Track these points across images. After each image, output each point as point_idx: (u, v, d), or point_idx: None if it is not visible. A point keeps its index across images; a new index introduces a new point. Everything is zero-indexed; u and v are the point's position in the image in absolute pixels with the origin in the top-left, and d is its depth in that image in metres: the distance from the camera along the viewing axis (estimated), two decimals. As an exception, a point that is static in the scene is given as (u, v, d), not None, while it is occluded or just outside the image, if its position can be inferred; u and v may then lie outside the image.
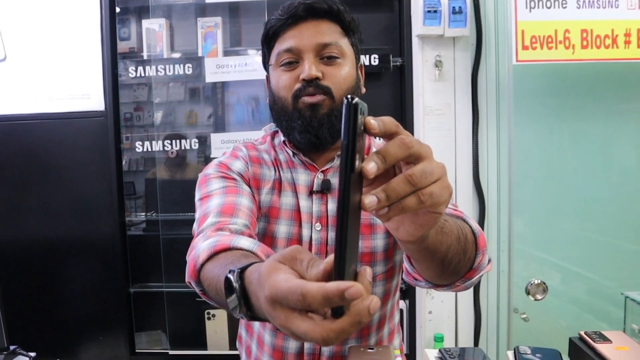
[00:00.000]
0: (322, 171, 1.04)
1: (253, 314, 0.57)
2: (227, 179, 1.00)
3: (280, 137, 1.09)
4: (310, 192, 1.03)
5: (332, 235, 1.01)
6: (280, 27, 1.00)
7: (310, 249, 0.99)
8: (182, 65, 2.04)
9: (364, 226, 1.00)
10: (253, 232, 0.90)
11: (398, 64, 1.99)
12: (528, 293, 1.71)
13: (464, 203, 1.87)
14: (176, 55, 2.11)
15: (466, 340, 1.90)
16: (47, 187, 2.06)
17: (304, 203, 1.02)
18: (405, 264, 0.85)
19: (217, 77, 2.02)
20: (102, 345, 2.08)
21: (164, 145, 2.07)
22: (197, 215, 0.95)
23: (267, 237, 1.01)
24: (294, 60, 0.99)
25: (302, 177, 1.04)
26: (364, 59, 1.96)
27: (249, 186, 1.01)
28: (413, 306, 1.97)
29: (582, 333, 1.06)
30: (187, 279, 0.79)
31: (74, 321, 2.08)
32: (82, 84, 2.04)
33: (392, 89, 2.05)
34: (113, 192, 2.04)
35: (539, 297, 1.70)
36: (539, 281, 1.71)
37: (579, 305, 1.91)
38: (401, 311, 2.00)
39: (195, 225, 0.92)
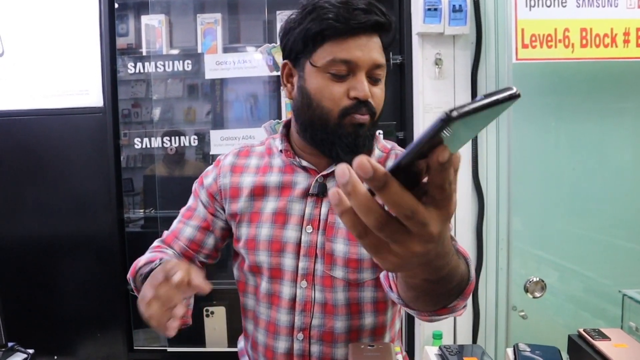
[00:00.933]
0: (323, 175, 1.04)
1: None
2: (195, 198, 1.14)
3: (278, 145, 1.10)
4: (306, 195, 1.04)
5: (321, 238, 1.02)
6: (341, 30, 0.94)
7: (298, 252, 1.02)
8: (181, 62, 2.04)
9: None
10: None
11: (398, 61, 1.99)
12: (527, 291, 1.72)
13: (463, 202, 1.88)
14: (175, 51, 2.11)
15: (464, 338, 1.90)
16: (44, 183, 2.05)
17: (294, 206, 1.04)
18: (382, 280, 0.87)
19: (216, 73, 2.02)
20: (100, 343, 2.07)
21: (162, 142, 2.07)
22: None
23: (249, 241, 1.05)
24: (344, 74, 0.95)
25: (301, 180, 1.05)
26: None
27: (212, 201, 1.11)
28: (411, 304, 1.97)
29: (581, 330, 1.06)
30: (128, 276, 1.08)
31: (72, 318, 2.07)
32: (80, 80, 2.04)
33: (392, 87, 2.05)
34: (111, 189, 2.03)
35: (537, 294, 1.71)
36: (538, 279, 1.72)
37: (576, 303, 1.92)
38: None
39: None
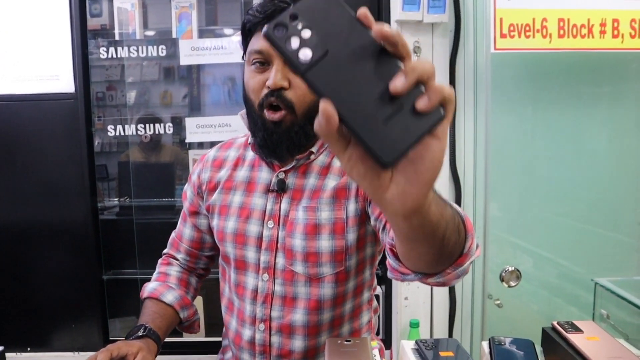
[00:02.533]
0: (284, 171, 1.06)
1: None
2: (186, 199, 1.21)
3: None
4: (267, 190, 1.07)
5: (282, 232, 1.05)
6: (255, 24, 0.98)
7: (260, 245, 1.06)
8: (155, 47, 1.99)
9: (310, 226, 1.02)
10: (192, 261, 1.24)
11: (376, 49, 1.97)
12: (502, 280, 1.74)
13: (439, 189, 1.87)
14: (149, 33, 2.05)
15: (441, 326, 1.93)
16: (15, 171, 1.99)
17: (257, 201, 1.08)
18: (390, 261, 0.78)
19: (192, 59, 1.97)
20: (75, 333, 2.05)
21: (137, 130, 2.02)
22: None
23: (219, 233, 1.12)
24: (264, 62, 0.97)
25: (264, 176, 1.09)
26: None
27: (197, 196, 1.17)
28: (389, 292, 1.99)
29: (555, 323, 1.08)
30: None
31: (45, 309, 2.04)
32: (50, 65, 1.97)
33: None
34: (84, 177, 1.99)
35: (512, 284, 1.73)
36: (513, 268, 1.74)
37: (550, 290, 1.95)
38: (377, 297, 2.02)
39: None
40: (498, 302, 1.78)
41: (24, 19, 1.95)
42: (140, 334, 1.04)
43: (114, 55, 1.99)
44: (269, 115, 0.97)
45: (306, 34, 0.42)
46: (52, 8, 1.95)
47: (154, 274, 1.25)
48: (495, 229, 1.85)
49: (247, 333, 1.09)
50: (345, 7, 0.43)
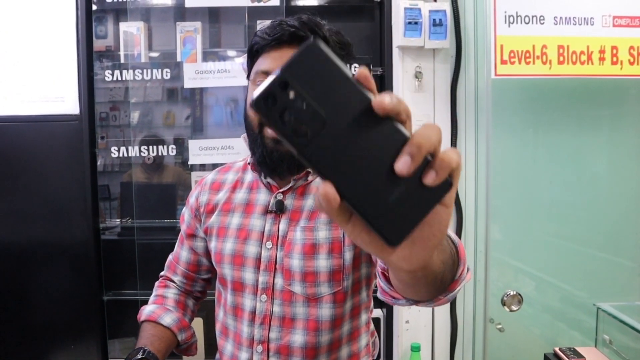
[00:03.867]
0: (282, 192, 1.08)
1: None
2: (183, 222, 1.22)
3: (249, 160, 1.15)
4: (266, 212, 1.08)
5: (280, 253, 1.05)
6: (263, 46, 1.01)
7: (258, 266, 1.06)
8: (159, 70, 2.01)
9: (307, 246, 1.03)
10: (188, 284, 1.24)
11: (378, 73, 1.99)
12: (504, 304, 1.73)
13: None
14: (154, 57, 2.08)
15: (443, 350, 1.92)
16: (17, 191, 2.00)
17: (256, 222, 1.08)
18: (381, 283, 0.80)
19: (195, 82, 1.99)
20: (74, 354, 2.03)
21: (140, 151, 2.04)
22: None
23: (217, 255, 1.12)
24: None
25: (262, 197, 1.10)
26: (345, 68, 1.96)
27: (195, 218, 1.18)
28: (390, 315, 1.98)
29: (557, 349, 1.07)
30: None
31: (45, 329, 2.02)
32: (56, 86, 1.99)
33: (372, 99, 2.05)
34: (87, 198, 1.99)
35: (514, 308, 1.73)
36: (515, 292, 1.73)
37: (552, 314, 1.94)
38: (378, 320, 2.01)
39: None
40: (499, 326, 1.78)
41: (31, 41, 1.98)
42: (139, 356, 1.03)
43: (119, 78, 2.02)
44: (270, 133, 0.99)
45: (299, 104, 0.38)
46: (59, 30, 1.98)
47: (151, 296, 1.24)
48: (497, 252, 1.85)
49: (244, 356, 1.07)
50: (341, 67, 0.39)
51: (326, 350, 1.07)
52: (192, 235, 1.19)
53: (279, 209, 1.07)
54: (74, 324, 2.03)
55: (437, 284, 0.65)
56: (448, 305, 1.91)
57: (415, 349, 1.78)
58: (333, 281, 1.04)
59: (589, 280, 1.90)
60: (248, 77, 1.08)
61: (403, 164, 0.39)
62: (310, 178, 1.09)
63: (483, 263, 1.80)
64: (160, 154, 2.04)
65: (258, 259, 1.06)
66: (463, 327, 1.92)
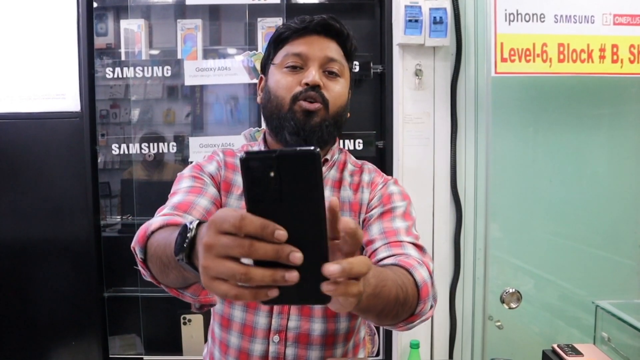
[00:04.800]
0: None
1: (190, 261, 0.64)
2: (196, 179, 1.07)
3: (259, 147, 1.15)
4: None
5: None
6: (293, 33, 1.06)
7: None
8: (160, 68, 2.01)
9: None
10: None
11: (379, 71, 2.00)
12: (503, 302, 1.74)
13: (441, 211, 1.89)
14: (155, 54, 2.08)
15: (442, 347, 1.92)
16: (19, 188, 2.01)
17: None
18: None
19: (196, 80, 2.00)
20: (75, 351, 2.04)
21: (140, 148, 2.04)
22: (165, 204, 1.02)
23: None
24: (299, 66, 1.05)
25: None
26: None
27: (218, 189, 1.08)
28: (390, 312, 1.99)
29: (555, 346, 1.08)
30: (133, 245, 0.86)
31: (46, 326, 2.03)
32: (57, 84, 2.00)
33: (372, 96, 2.06)
34: (88, 195, 2.00)
35: (513, 305, 1.73)
36: (513, 290, 1.74)
37: (551, 312, 1.95)
38: (378, 317, 2.01)
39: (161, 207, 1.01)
40: (499, 323, 1.78)
41: (32, 38, 1.99)
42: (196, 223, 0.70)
43: (120, 75, 2.02)
44: (305, 105, 1.02)
45: (274, 183, 0.49)
46: (60, 27, 1.98)
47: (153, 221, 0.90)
48: (496, 250, 1.85)
49: (258, 347, 1.06)
50: (320, 185, 0.50)
51: (343, 339, 1.09)
52: (215, 195, 1.07)
53: None
54: (75, 321, 2.04)
55: (388, 319, 0.82)
56: (447, 303, 1.92)
57: (415, 346, 1.79)
58: None
59: (588, 278, 1.91)
60: (266, 66, 1.12)
61: (334, 268, 0.50)
62: (324, 168, 1.11)
63: (482, 261, 1.81)
64: (160, 151, 2.05)
65: None
66: (462, 325, 1.92)
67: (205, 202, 1.02)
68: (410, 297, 0.82)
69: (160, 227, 0.84)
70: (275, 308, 1.05)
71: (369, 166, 1.20)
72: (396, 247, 0.99)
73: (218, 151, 1.16)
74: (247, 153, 0.49)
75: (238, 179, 1.10)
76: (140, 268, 0.87)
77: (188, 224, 0.65)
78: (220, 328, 1.11)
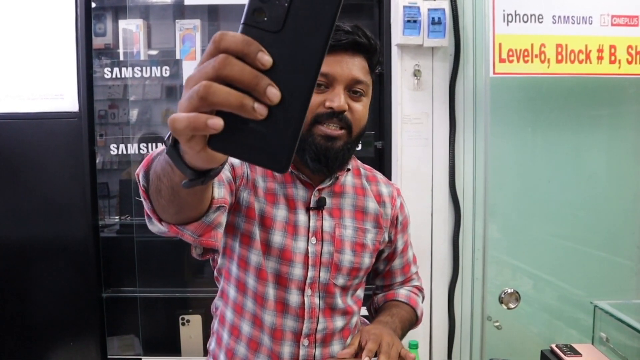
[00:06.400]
0: (318, 189, 1.10)
1: (183, 161, 0.56)
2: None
3: None
4: (308, 208, 1.09)
5: (327, 248, 1.09)
6: None
7: (306, 261, 1.07)
8: (159, 68, 2.01)
9: (358, 245, 1.12)
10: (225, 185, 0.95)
11: (377, 71, 1.99)
12: (501, 302, 1.74)
13: (440, 212, 1.89)
14: (153, 54, 2.08)
15: (441, 348, 1.92)
16: (16, 188, 2.01)
17: (301, 217, 1.08)
18: None
19: (194, 80, 1.99)
20: (73, 351, 2.04)
21: (139, 148, 2.04)
22: None
23: (262, 244, 1.06)
24: (323, 84, 1.01)
25: (301, 193, 1.10)
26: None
27: (234, 176, 1.02)
28: (388, 313, 1.99)
29: (554, 346, 1.08)
30: (137, 171, 0.78)
31: (44, 327, 2.03)
32: (55, 84, 1.99)
33: (371, 97, 2.05)
34: (86, 195, 2.00)
35: (511, 306, 1.73)
36: (512, 290, 1.74)
37: (549, 312, 1.95)
38: (376, 318, 2.01)
39: None
40: (497, 324, 1.78)
41: (30, 38, 1.98)
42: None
43: (118, 75, 2.02)
44: (328, 130, 1.01)
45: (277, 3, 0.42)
46: (58, 27, 1.98)
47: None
48: (495, 250, 1.85)
49: (287, 350, 1.08)
50: (333, 20, 0.43)
51: (351, 332, 1.16)
52: (229, 180, 1.00)
53: (322, 206, 1.09)
54: (73, 321, 2.04)
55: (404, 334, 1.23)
56: (446, 303, 1.92)
57: (413, 346, 1.78)
58: (363, 275, 1.16)
59: (587, 279, 1.91)
60: None
61: None
62: (341, 177, 1.14)
63: (481, 261, 1.81)
64: (159, 151, 2.04)
65: (306, 255, 1.07)
66: (461, 325, 1.93)
67: (225, 176, 0.96)
68: (412, 325, 1.26)
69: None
70: (306, 313, 1.07)
71: (379, 175, 1.25)
72: (409, 281, 1.30)
73: None
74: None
75: (259, 179, 1.07)
76: (142, 199, 0.79)
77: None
78: (250, 325, 1.09)
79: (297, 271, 1.07)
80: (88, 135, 1.98)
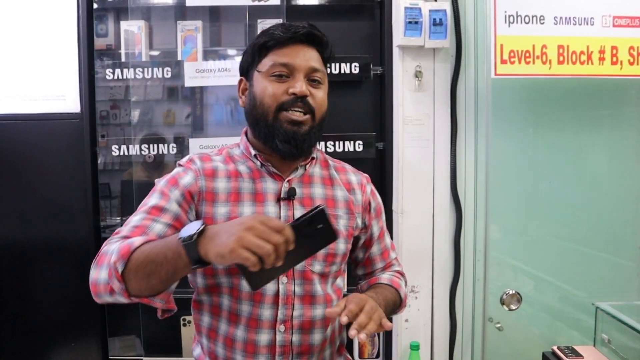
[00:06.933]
0: (288, 180, 1.17)
1: (197, 248, 0.89)
2: (163, 196, 1.11)
3: (242, 149, 1.22)
4: (278, 199, 1.15)
5: None
6: (280, 42, 1.13)
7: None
8: (160, 69, 2.01)
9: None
10: None
11: (378, 72, 2.00)
12: (503, 303, 1.74)
13: (441, 212, 1.89)
14: (155, 55, 2.08)
15: (442, 349, 1.92)
16: (18, 189, 2.01)
17: (271, 209, 1.14)
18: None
19: (196, 81, 2.00)
20: (74, 352, 2.04)
21: (140, 149, 2.04)
22: (129, 219, 1.10)
23: None
24: (285, 74, 1.12)
25: (270, 186, 1.16)
26: (345, 67, 1.98)
27: (192, 200, 1.12)
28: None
29: (555, 348, 1.08)
30: (114, 260, 0.95)
31: (46, 327, 2.03)
32: (57, 85, 2.00)
33: (372, 98, 2.06)
34: (88, 196, 2.00)
35: (513, 307, 1.73)
36: (514, 292, 1.74)
37: (551, 314, 1.95)
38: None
39: (119, 228, 1.09)
40: (499, 325, 1.78)
41: (32, 39, 1.99)
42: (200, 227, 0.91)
43: (120, 76, 2.02)
44: (294, 115, 1.11)
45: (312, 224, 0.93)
46: (60, 28, 1.99)
47: (114, 245, 1.01)
48: (496, 251, 1.85)
49: (264, 338, 1.11)
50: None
51: (331, 322, 1.20)
52: (177, 215, 1.10)
53: (292, 195, 1.15)
54: (75, 322, 2.04)
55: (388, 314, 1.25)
56: (447, 305, 1.92)
57: (415, 347, 1.79)
58: (342, 262, 1.21)
59: (588, 280, 1.91)
60: (249, 71, 1.18)
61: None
62: (308, 167, 1.22)
63: (482, 262, 1.81)
64: (160, 152, 2.05)
65: None
66: (462, 326, 1.92)
67: (159, 228, 1.06)
68: (397, 308, 1.29)
69: (144, 243, 0.97)
70: (281, 300, 1.11)
71: (348, 166, 1.32)
72: (389, 267, 1.36)
73: (195, 158, 1.19)
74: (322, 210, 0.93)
75: (219, 185, 1.14)
76: (113, 282, 0.96)
77: (197, 224, 0.91)
78: (227, 323, 1.13)
79: None
80: (90, 136, 1.99)
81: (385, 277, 1.31)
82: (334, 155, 1.95)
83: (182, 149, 2.06)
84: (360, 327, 0.94)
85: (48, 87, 2.00)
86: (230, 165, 1.18)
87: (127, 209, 2.10)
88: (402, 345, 1.90)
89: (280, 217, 1.13)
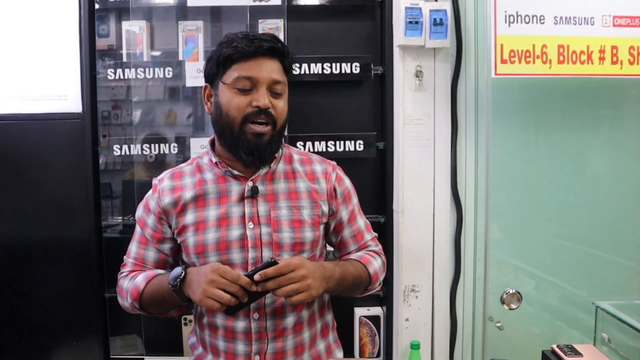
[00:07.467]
0: (252, 180, 1.28)
1: (182, 291, 1.18)
2: (146, 226, 1.32)
3: (208, 159, 1.32)
4: (242, 198, 1.26)
5: (265, 230, 1.25)
6: (244, 55, 1.20)
7: (246, 245, 1.24)
8: (162, 69, 2.02)
9: (295, 222, 1.28)
10: None
11: (379, 72, 2.00)
12: (503, 303, 1.74)
13: (441, 213, 1.89)
14: (156, 56, 2.09)
15: (442, 348, 1.92)
16: (20, 189, 2.01)
17: (234, 209, 1.26)
18: None
19: (197, 81, 2.00)
20: (76, 351, 2.04)
21: (142, 149, 2.05)
22: (129, 246, 1.38)
23: (198, 247, 1.25)
24: (248, 88, 1.20)
25: (235, 188, 1.28)
26: (346, 67, 1.98)
27: (161, 221, 1.30)
28: (390, 313, 1.99)
29: (555, 347, 1.08)
30: (130, 302, 1.30)
31: (47, 327, 2.04)
32: (58, 85, 2.00)
33: (373, 98, 2.06)
34: (89, 196, 2.00)
35: (513, 306, 1.74)
36: (514, 291, 1.74)
37: (551, 313, 1.95)
38: (378, 318, 2.02)
39: (125, 257, 1.38)
40: (499, 324, 1.78)
41: (33, 39, 1.99)
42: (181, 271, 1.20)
43: (121, 77, 2.03)
44: (257, 128, 1.20)
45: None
46: (62, 28, 1.99)
47: (127, 283, 1.33)
48: (496, 251, 1.85)
49: (240, 325, 1.24)
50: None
51: (304, 306, 1.30)
52: (160, 239, 1.31)
53: (255, 193, 1.26)
54: (76, 321, 2.04)
55: (347, 295, 1.38)
56: (448, 304, 1.92)
57: (415, 346, 1.79)
58: (312, 249, 1.29)
59: (588, 279, 1.91)
60: (213, 80, 1.27)
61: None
62: (272, 165, 1.31)
63: (482, 262, 1.81)
64: (162, 152, 2.05)
65: (243, 239, 1.23)
66: (462, 325, 1.93)
67: (152, 256, 1.33)
68: (364, 283, 1.34)
69: (146, 284, 1.26)
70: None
71: (314, 157, 1.40)
72: (364, 248, 1.41)
73: (165, 177, 1.34)
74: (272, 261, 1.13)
75: (186, 196, 1.27)
76: (137, 312, 1.34)
77: (179, 271, 1.18)
78: (213, 315, 1.29)
79: (235, 256, 1.23)
80: (91, 136, 1.99)
81: (355, 255, 1.40)
82: (335, 155, 1.96)
83: (184, 149, 2.06)
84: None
85: (50, 87, 2.00)
86: (197, 175, 1.31)
87: (129, 209, 2.10)
88: (402, 344, 1.91)
89: (244, 215, 1.24)
